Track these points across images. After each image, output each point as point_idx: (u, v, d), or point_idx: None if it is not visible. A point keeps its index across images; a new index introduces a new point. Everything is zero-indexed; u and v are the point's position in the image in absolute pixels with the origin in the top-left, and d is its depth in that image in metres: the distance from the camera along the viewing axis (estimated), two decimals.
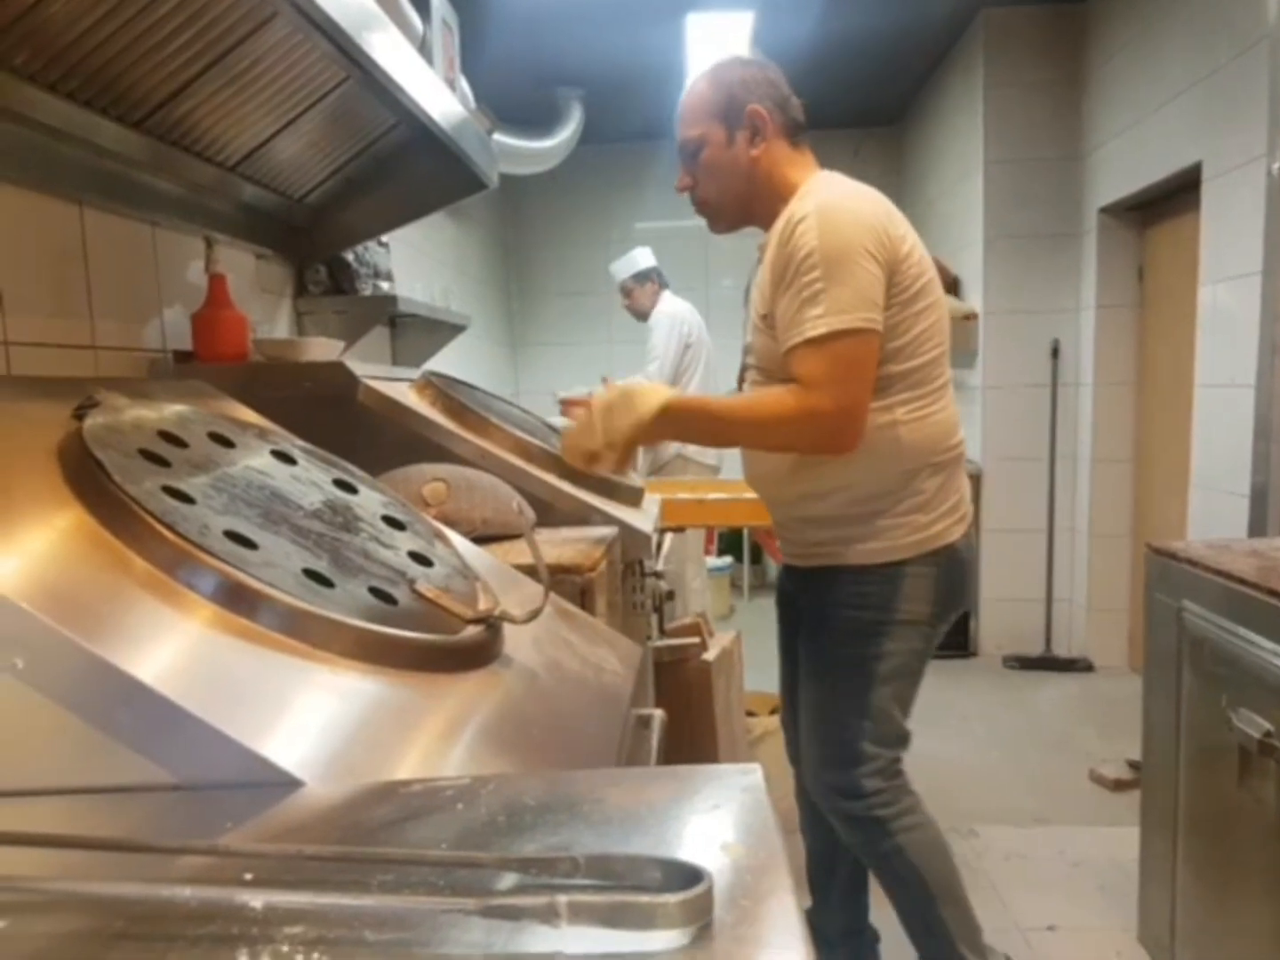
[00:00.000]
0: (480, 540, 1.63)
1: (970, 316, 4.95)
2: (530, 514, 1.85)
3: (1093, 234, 4.57)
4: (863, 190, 1.84)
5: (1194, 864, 2.14)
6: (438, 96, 2.19)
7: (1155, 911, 2.33)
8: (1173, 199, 4.02)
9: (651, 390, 1.77)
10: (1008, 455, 4.91)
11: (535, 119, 5.20)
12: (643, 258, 5.04)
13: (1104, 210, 4.47)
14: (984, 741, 3.91)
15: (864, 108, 6.12)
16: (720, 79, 1.89)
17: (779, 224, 1.79)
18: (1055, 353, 4.80)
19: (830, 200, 1.76)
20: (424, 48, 2.25)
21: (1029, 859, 2.93)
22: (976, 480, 4.92)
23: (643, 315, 5.07)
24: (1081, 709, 4.25)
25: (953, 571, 1.90)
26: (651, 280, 5.05)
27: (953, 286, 5.21)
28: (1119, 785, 3.36)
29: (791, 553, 2.03)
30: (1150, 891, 2.37)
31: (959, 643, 4.98)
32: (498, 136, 3.09)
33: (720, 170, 1.89)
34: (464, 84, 2.72)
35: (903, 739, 1.96)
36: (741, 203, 1.92)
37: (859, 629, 1.88)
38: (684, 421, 1.80)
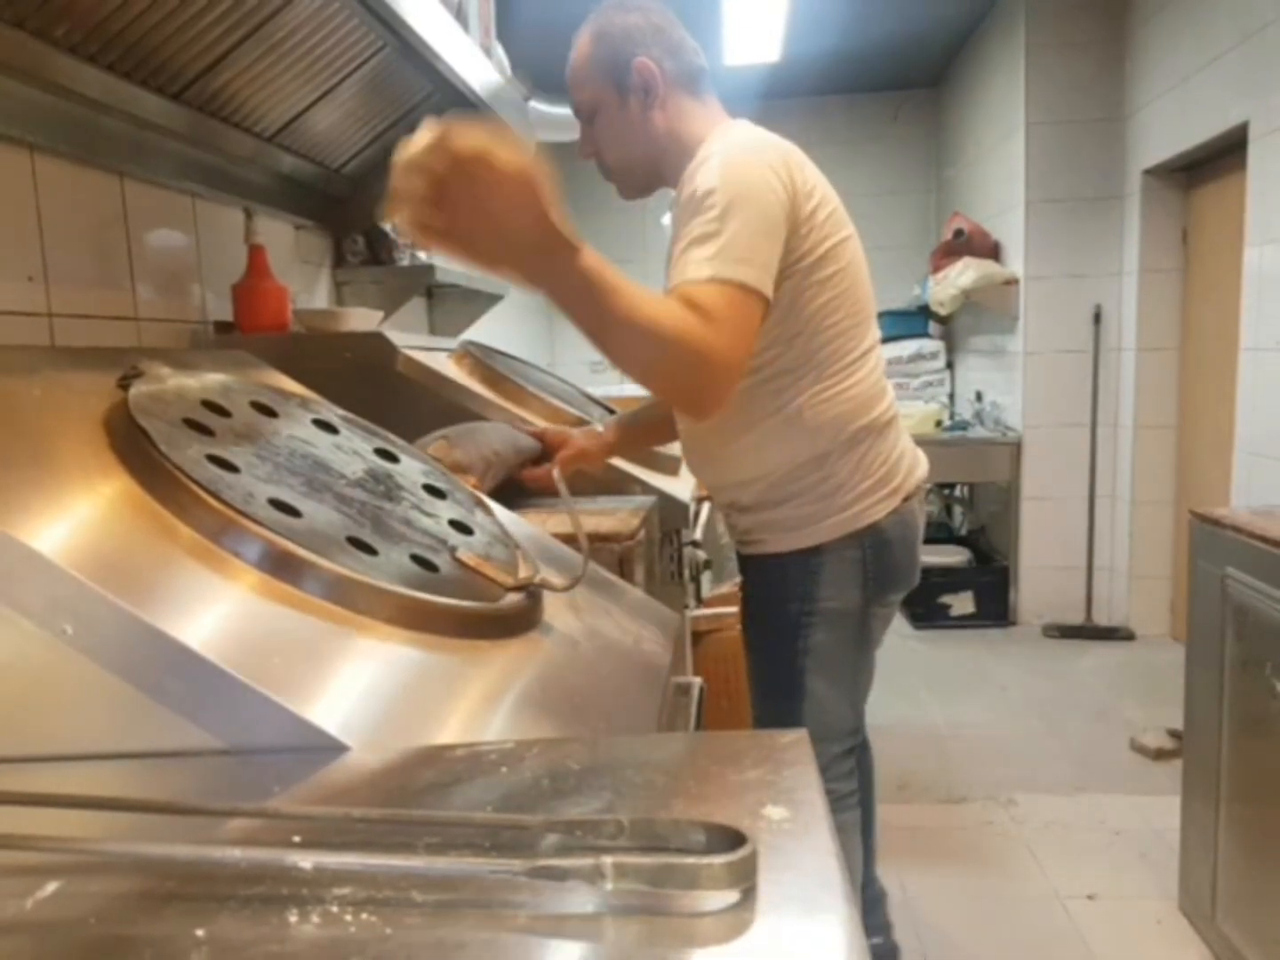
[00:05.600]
0: (510, 496, 1.63)
1: (1011, 281, 4.88)
2: (535, 444, 1.86)
3: (1136, 197, 4.48)
4: (771, 139, 1.63)
5: (1236, 833, 2.12)
6: (474, 64, 2.18)
7: (1197, 881, 2.32)
8: (1218, 160, 3.93)
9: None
10: (1048, 422, 4.85)
11: None
12: None
13: (1148, 172, 4.38)
14: (1023, 710, 3.89)
15: (903, 70, 6.00)
16: (600, 32, 1.72)
17: (682, 178, 1.60)
18: (1097, 318, 4.72)
19: (736, 145, 1.58)
20: (460, 14, 2.23)
21: (1069, 827, 2.92)
22: (1017, 447, 4.88)
23: None
24: (1122, 678, 4.21)
25: (881, 552, 1.76)
26: None
27: (994, 251, 5.14)
28: (1160, 754, 3.33)
29: (733, 538, 1.92)
30: (1192, 861, 2.36)
31: (998, 611, 4.95)
32: (534, 104, 3.07)
33: (619, 136, 1.74)
34: (500, 51, 2.70)
35: (850, 731, 1.88)
36: (647, 166, 1.76)
37: (785, 623, 1.77)
38: (579, 276, 1.16)
